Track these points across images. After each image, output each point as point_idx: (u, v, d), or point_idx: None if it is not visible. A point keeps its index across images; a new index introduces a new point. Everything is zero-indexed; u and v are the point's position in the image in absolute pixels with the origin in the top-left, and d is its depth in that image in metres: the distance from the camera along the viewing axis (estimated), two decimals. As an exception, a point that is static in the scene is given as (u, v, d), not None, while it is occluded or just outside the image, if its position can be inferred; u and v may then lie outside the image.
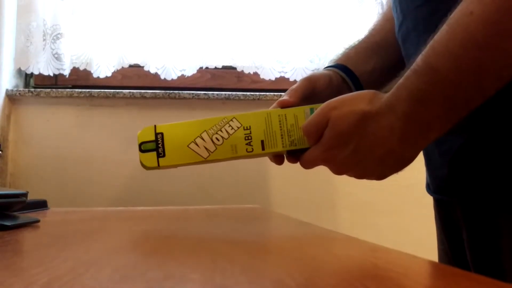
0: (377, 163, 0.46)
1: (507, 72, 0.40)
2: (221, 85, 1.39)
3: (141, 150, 0.51)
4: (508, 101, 0.45)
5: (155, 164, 0.49)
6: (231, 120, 0.49)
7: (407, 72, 0.43)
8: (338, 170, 0.50)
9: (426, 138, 0.44)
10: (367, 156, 0.46)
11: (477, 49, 0.39)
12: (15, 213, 0.54)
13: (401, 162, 0.46)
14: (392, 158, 0.45)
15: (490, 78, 0.40)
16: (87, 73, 1.30)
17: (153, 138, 0.50)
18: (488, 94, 0.41)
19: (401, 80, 0.44)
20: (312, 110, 0.49)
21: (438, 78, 0.40)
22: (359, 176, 0.50)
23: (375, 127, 0.45)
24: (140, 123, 1.31)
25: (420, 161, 0.63)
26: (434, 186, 0.58)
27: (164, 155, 0.49)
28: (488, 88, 0.40)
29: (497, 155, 0.47)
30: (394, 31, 0.62)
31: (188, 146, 0.49)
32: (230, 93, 1.31)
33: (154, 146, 0.50)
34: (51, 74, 1.28)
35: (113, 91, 1.29)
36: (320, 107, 0.47)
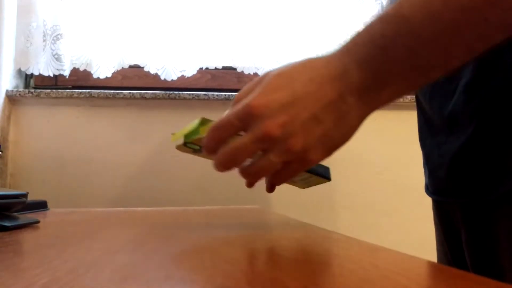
0: (326, 113, 0.38)
1: (478, 45, 0.37)
2: (221, 85, 1.39)
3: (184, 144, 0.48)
4: (507, 103, 0.45)
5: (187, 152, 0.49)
6: None
7: (372, 20, 0.39)
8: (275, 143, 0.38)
9: (379, 95, 0.39)
10: (311, 105, 0.38)
11: (459, 10, 0.35)
12: (15, 214, 0.54)
13: (348, 120, 0.39)
14: (340, 109, 0.38)
15: (461, 46, 0.36)
16: (87, 74, 1.30)
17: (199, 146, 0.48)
18: (452, 65, 0.38)
19: (363, 27, 0.39)
20: None
21: (408, 29, 0.36)
22: (306, 145, 0.39)
23: (318, 71, 0.39)
24: (140, 124, 1.31)
25: (419, 162, 0.63)
26: (433, 187, 0.58)
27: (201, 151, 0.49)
28: (455, 56, 0.37)
29: (496, 156, 0.47)
30: None
31: None
32: (230, 93, 1.32)
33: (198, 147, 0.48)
34: (51, 75, 1.29)
35: (113, 92, 1.29)
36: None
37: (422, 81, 0.39)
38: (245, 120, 0.39)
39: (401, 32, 0.37)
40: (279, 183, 0.43)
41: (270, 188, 0.47)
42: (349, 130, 0.40)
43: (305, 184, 0.59)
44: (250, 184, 0.45)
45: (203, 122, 0.45)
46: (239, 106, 0.39)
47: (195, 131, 0.45)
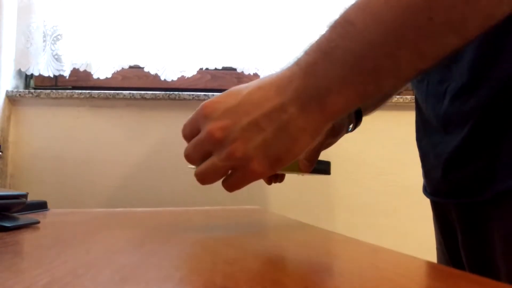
0: (266, 121, 0.37)
1: (429, 48, 0.34)
2: (221, 86, 1.39)
3: None
4: (501, 105, 0.45)
5: None
6: None
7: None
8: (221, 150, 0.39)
9: (323, 105, 0.36)
10: (252, 111, 0.38)
11: (400, 10, 0.34)
12: (15, 214, 0.54)
13: (289, 131, 0.37)
14: (280, 119, 0.37)
15: (408, 48, 0.34)
16: (87, 74, 1.30)
17: None
18: (404, 71, 0.35)
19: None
20: None
21: (353, 32, 0.35)
22: (251, 153, 0.38)
23: (270, 80, 0.39)
24: (140, 124, 1.31)
25: (419, 162, 0.63)
26: (430, 188, 0.59)
27: None
28: (405, 60, 0.35)
29: (490, 156, 0.47)
30: None
31: None
32: (230, 94, 1.31)
33: None
34: (51, 75, 1.29)
35: (113, 92, 1.29)
36: None
37: (372, 88, 0.36)
38: (197, 121, 0.41)
39: (346, 35, 0.36)
40: (230, 190, 0.42)
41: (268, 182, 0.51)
42: (292, 142, 0.37)
43: (302, 175, 0.61)
44: (202, 184, 0.45)
45: None
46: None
47: None
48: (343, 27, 0.36)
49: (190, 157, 0.43)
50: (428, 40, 0.34)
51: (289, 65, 0.39)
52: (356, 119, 0.66)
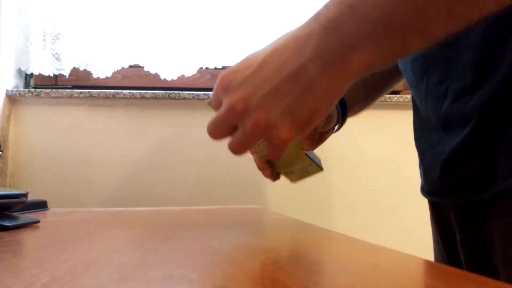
0: (288, 86, 0.36)
1: (460, 8, 0.32)
2: (221, 85, 1.39)
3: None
4: (502, 104, 0.45)
5: None
6: None
7: None
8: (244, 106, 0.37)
9: (346, 62, 0.34)
10: (272, 77, 0.36)
11: None
12: (15, 214, 0.54)
13: (314, 92, 0.36)
14: (302, 81, 0.35)
15: (439, 6, 0.32)
16: (87, 74, 1.30)
17: None
18: (431, 32, 0.33)
19: None
20: None
21: None
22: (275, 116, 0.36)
23: (286, 40, 0.37)
24: (140, 123, 1.31)
25: (418, 161, 0.63)
26: (428, 187, 0.59)
27: None
28: (434, 19, 0.33)
29: (489, 157, 0.47)
30: None
31: None
32: (230, 93, 1.31)
33: None
34: (51, 75, 1.29)
35: (113, 92, 1.29)
36: None
37: (399, 48, 0.34)
38: (218, 93, 0.39)
39: None
40: (274, 158, 0.40)
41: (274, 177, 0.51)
42: (317, 104, 0.36)
43: (299, 175, 0.60)
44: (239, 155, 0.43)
45: None
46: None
47: None
48: None
49: (213, 135, 0.41)
50: (461, 2, 0.32)
51: (306, 22, 0.37)
52: (342, 119, 0.66)
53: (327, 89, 0.35)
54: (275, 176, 0.57)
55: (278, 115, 0.36)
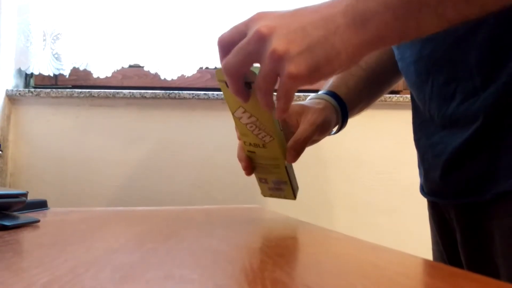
0: (314, 27, 0.39)
1: None
2: (221, 85, 1.39)
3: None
4: (506, 105, 0.45)
5: None
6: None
7: None
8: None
9: (366, 23, 0.38)
10: (303, 18, 0.39)
11: None
12: (15, 213, 0.54)
13: (334, 40, 0.38)
14: (328, 27, 0.38)
15: None
16: (87, 73, 1.30)
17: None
18: (443, 10, 0.36)
19: None
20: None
21: None
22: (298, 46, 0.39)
23: (321, 2, 0.41)
24: (140, 123, 1.31)
25: (417, 161, 0.63)
26: (428, 188, 0.58)
27: None
28: None
29: (490, 157, 0.47)
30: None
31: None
32: (230, 93, 1.31)
33: None
34: (51, 74, 1.29)
35: (113, 91, 1.29)
36: None
37: (413, 23, 0.37)
38: (248, 24, 0.41)
39: None
40: (279, 103, 0.43)
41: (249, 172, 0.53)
42: (334, 53, 0.38)
43: (271, 190, 0.60)
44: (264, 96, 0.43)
45: None
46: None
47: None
48: None
49: (231, 66, 0.41)
50: None
51: None
52: (342, 121, 0.66)
53: (346, 43, 0.38)
54: (249, 171, 0.57)
55: (296, 50, 0.38)
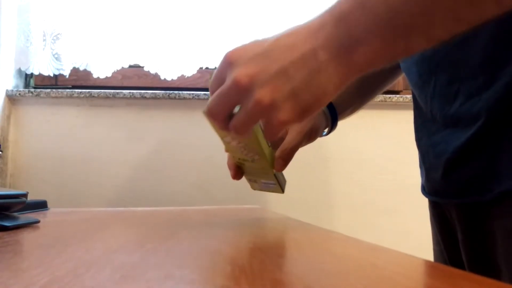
0: (296, 69, 0.36)
1: (466, 13, 0.34)
2: (221, 85, 1.39)
3: None
4: (507, 105, 0.45)
5: None
6: None
7: None
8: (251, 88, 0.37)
9: (353, 55, 0.36)
10: (282, 57, 0.36)
11: None
12: (15, 214, 0.54)
13: (319, 79, 0.36)
14: (311, 65, 0.36)
15: (445, 9, 0.33)
16: (87, 74, 1.30)
17: None
18: (435, 34, 0.35)
19: None
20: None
21: None
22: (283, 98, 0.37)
23: (298, 28, 0.38)
24: (140, 123, 1.31)
25: (418, 161, 0.63)
26: (429, 187, 0.59)
27: None
28: (439, 21, 0.34)
29: (492, 157, 0.47)
30: None
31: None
32: (230, 93, 1.31)
33: None
34: (51, 75, 1.29)
35: (113, 92, 1.29)
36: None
37: (402, 46, 0.35)
38: (221, 72, 0.39)
39: None
40: (269, 139, 0.42)
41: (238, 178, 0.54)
42: (320, 92, 0.37)
43: (260, 187, 0.62)
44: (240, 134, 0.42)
45: None
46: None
47: None
48: None
49: (213, 110, 0.39)
50: (465, 3, 0.33)
51: (319, 15, 0.38)
52: (332, 124, 0.67)
53: (332, 77, 0.36)
54: (238, 178, 0.58)
55: (282, 96, 0.36)
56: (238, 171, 0.57)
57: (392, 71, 0.71)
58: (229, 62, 0.38)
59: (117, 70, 1.31)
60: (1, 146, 1.21)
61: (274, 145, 0.56)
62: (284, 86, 0.36)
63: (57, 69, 1.28)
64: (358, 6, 0.35)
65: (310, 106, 0.37)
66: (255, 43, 0.39)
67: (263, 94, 0.36)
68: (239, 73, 0.37)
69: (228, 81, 0.38)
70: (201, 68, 1.35)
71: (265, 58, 0.37)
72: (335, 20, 0.36)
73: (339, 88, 0.37)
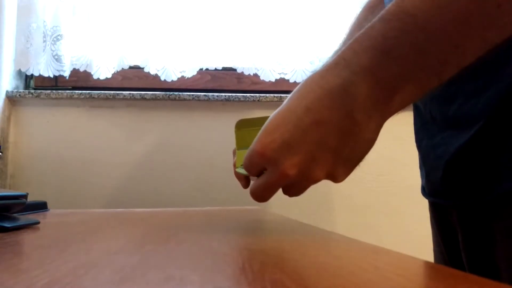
0: (337, 139, 0.36)
1: (492, 36, 0.33)
2: (221, 86, 1.39)
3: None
4: (508, 106, 0.45)
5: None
6: None
7: (371, 22, 0.35)
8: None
9: (390, 104, 0.35)
10: (317, 135, 0.36)
11: None
12: (15, 215, 0.54)
13: (363, 137, 0.37)
14: (351, 131, 0.36)
15: (474, 37, 0.33)
16: (87, 75, 1.31)
17: None
18: (466, 60, 0.34)
19: (361, 31, 0.35)
20: None
21: (413, 25, 0.33)
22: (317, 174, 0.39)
23: (318, 91, 0.36)
24: (140, 125, 1.31)
25: (418, 163, 0.63)
26: (429, 189, 0.58)
27: None
28: (469, 50, 0.33)
29: (493, 158, 0.47)
30: None
31: None
32: (230, 94, 1.32)
33: None
34: (51, 76, 1.29)
35: (113, 93, 1.29)
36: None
37: (435, 81, 0.35)
38: (258, 164, 0.39)
39: (406, 29, 0.33)
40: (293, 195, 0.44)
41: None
42: (366, 144, 0.37)
43: None
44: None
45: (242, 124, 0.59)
46: (247, 153, 0.40)
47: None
48: (400, 19, 0.33)
49: (260, 198, 0.42)
50: (494, 27, 0.32)
51: (331, 67, 0.36)
52: None
53: (375, 131, 0.37)
54: (248, 186, 0.61)
55: (332, 167, 0.38)
56: (247, 181, 0.60)
57: None
58: (266, 159, 0.38)
59: (117, 71, 1.31)
60: (1, 147, 1.21)
61: None
62: (332, 159, 0.37)
63: (57, 70, 1.28)
64: (382, 56, 0.34)
65: (360, 159, 0.39)
66: (278, 127, 0.37)
67: (317, 173, 0.38)
68: (285, 166, 0.37)
69: (274, 175, 0.38)
70: (201, 69, 1.35)
71: (302, 144, 0.36)
72: (361, 78, 0.35)
73: (379, 132, 0.38)
